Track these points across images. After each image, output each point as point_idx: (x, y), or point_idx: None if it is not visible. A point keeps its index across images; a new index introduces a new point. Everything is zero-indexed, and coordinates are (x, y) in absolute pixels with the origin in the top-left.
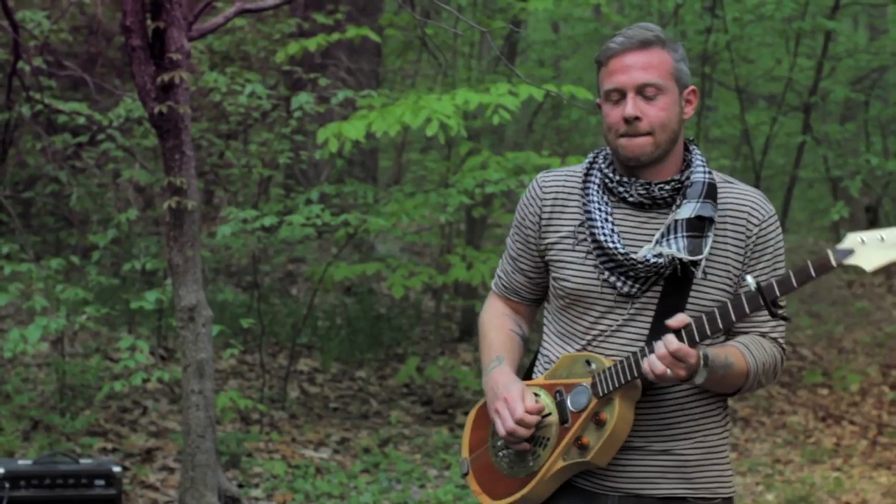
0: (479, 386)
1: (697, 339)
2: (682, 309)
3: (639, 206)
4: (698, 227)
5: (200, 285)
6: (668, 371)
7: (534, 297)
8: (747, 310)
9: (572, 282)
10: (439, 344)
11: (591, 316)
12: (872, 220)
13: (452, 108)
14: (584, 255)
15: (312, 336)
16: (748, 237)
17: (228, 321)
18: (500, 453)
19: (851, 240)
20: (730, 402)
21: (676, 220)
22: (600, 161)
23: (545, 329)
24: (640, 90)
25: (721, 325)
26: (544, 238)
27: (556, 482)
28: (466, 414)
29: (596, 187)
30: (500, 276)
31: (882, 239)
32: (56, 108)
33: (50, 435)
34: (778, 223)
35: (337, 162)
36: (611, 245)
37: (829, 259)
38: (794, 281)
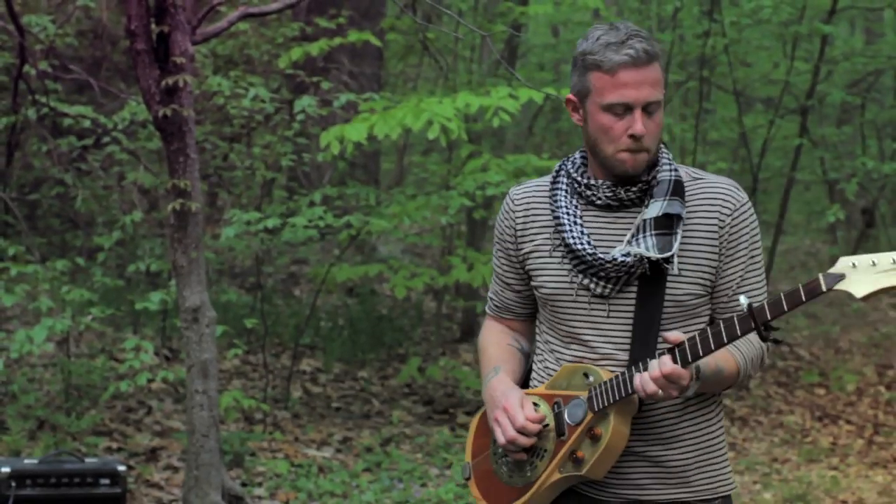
0: (480, 386)
1: (690, 359)
2: (659, 306)
3: (606, 208)
4: (666, 224)
5: (204, 286)
6: (660, 392)
7: (526, 312)
8: (738, 332)
9: (548, 287)
10: (440, 344)
11: (570, 318)
12: (868, 222)
13: (453, 111)
14: (558, 260)
15: (315, 336)
16: (721, 227)
17: (232, 322)
18: (500, 461)
19: (843, 264)
20: (726, 401)
21: (645, 220)
22: (568, 166)
23: (537, 339)
24: (646, 107)
25: (713, 347)
26: (521, 248)
27: (554, 492)
28: (468, 414)
29: (564, 192)
30: (491, 298)
31: (873, 264)
32: (61, 111)
33: (55, 434)
34: (752, 210)
35: (339, 164)
36: (580, 247)
37: (819, 284)
38: (784, 304)
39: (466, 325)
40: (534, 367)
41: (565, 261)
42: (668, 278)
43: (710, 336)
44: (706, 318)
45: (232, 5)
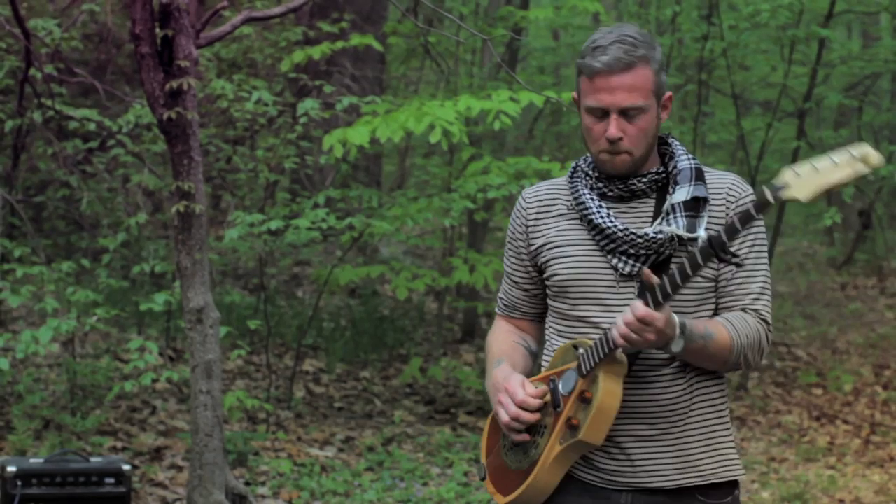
0: (481, 386)
1: (661, 299)
2: (665, 271)
3: (619, 199)
4: (694, 207)
5: (208, 287)
6: (635, 335)
7: (534, 311)
8: (700, 261)
9: (564, 272)
10: (442, 345)
11: (584, 302)
12: (865, 224)
13: (455, 114)
14: (576, 246)
15: (318, 337)
16: (727, 213)
17: (235, 323)
18: (509, 452)
19: (785, 174)
20: None
21: (673, 204)
22: (581, 164)
23: (548, 333)
24: (623, 112)
25: (681, 281)
26: (532, 244)
27: (560, 467)
28: (469, 413)
29: (583, 183)
30: (500, 298)
31: (815, 168)
32: (67, 114)
33: (61, 434)
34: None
35: (342, 167)
36: (608, 224)
37: (765, 195)
38: (738, 224)
39: (467, 325)
40: (543, 361)
41: (589, 244)
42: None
43: (675, 273)
44: (712, 306)
45: (235, 9)
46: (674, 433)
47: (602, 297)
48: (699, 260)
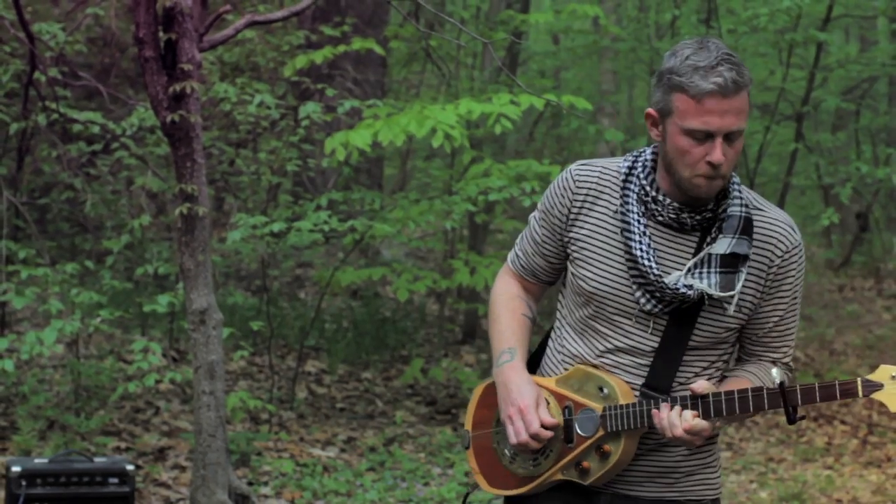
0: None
1: (713, 414)
2: (688, 334)
3: (667, 226)
4: (732, 263)
5: (211, 289)
6: (685, 438)
7: (550, 280)
8: (766, 406)
9: (591, 284)
10: (443, 346)
11: (608, 322)
12: (863, 226)
13: (456, 117)
14: (609, 260)
15: (320, 338)
16: (770, 268)
17: (238, 324)
18: (503, 443)
19: (882, 373)
20: None
21: (711, 255)
22: (639, 169)
23: (559, 314)
24: (728, 135)
25: (738, 412)
26: (570, 231)
27: (550, 486)
28: None
29: (634, 197)
30: (518, 256)
31: None
32: (71, 117)
33: (65, 434)
34: (802, 253)
35: (344, 170)
36: (646, 264)
37: (856, 388)
38: (817, 396)
39: (468, 327)
40: (550, 344)
41: (617, 264)
42: (707, 308)
43: (736, 399)
44: (728, 346)
45: (238, 13)
46: (661, 451)
47: (619, 321)
48: (765, 405)
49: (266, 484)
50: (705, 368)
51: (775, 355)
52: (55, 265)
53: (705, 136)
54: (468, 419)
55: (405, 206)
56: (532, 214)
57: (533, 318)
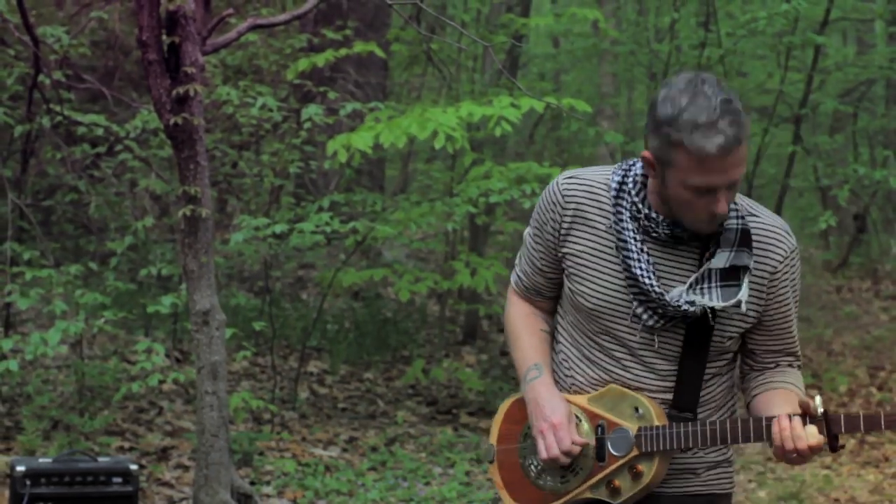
0: (483, 386)
1: (833, 432)
2: (706, 347)
3: (663, 242)
4: (733, 275)
5: (214, 290)
6: (802, 454)
7: (555, 294)
8: (862, 428)
9: (591, 301)
10: (444, 346)
11: (609, 336)
12: (860, 227)
13: (456, 120)
14: (606, 275)
15: (322, 339)
16: (773, 274)
17: (241, 325)
18: (531, 459)
19: None
20: None
21: (710, 269)
22: (629, 185)
23: (559, 325)
24: (730, 185)
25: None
26: (562, 246)
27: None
28: (470, 414)
29: (627, 215)
30: (520, 277)
31: None
32: (75, 119)
33: (69, 434)
34: (799, 256)
35: (346, 172)
36: (647, 282)
37: None
38: (861, 426)
39: (469, 327)
40: (554, 357)
41: (615, 279)
42: (718, 317)
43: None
44: (732, 354)
45: (241, 16)
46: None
47: (623, 337)
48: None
49: (268, 483)
50: (713, 376)
51: (785, 342)
52: (59, 266)
53: (708, 191)
54: (493, 433)
55: (406, 207)
56: (526, 231)
57: (551, 332)
